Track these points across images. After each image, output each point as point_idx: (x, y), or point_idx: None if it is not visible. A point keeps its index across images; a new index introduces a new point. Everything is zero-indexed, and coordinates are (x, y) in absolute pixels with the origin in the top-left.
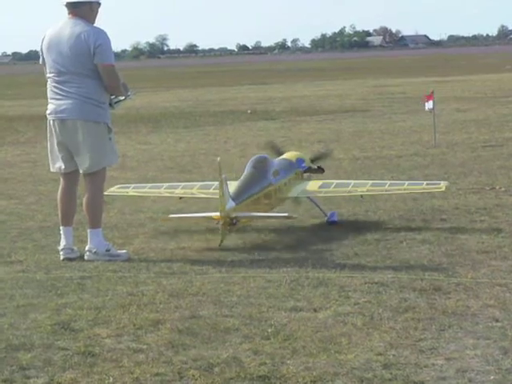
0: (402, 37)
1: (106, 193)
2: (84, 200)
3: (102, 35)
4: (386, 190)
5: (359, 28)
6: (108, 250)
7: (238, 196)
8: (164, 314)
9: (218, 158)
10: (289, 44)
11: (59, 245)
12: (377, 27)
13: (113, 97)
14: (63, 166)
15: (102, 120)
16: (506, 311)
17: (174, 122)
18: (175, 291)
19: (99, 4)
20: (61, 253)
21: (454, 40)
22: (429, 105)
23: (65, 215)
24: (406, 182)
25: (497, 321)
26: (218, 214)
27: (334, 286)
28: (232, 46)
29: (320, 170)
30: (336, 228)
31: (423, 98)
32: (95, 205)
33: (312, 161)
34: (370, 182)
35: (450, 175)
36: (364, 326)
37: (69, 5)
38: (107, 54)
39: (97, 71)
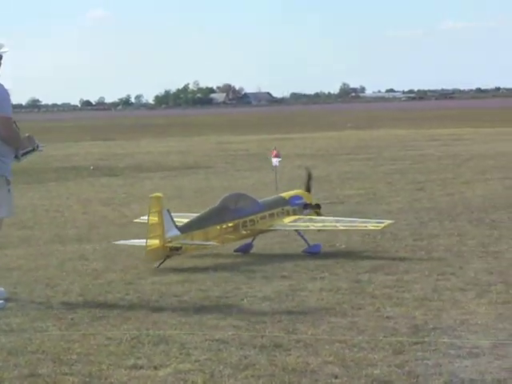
0: (245, 94)
1: None
2: None
3: None
4: (336, 227)
5: (203, 85)
6: None
7: (187, 226)
8: (2, 372)
9: (152, 195)
10: (132, 100)
11: None
12: (220, 84)
13: (21, 149)
14: None
15: (1, 173)
16: (346, 367)
17: (15, 177)
18: (14, 349)
19: (1, 57)
20: None
21: (297, 97)
22: (275, 161)
23: None
24: (358, 220)
25: (336, 377)
26: (157, 241)
27: (175, 344)
28: (75, 102)
29: (317, 206)
30: (177, 285)
31: (270, 153)
32: None
33: (308, 190)
34: (331, 218)
35: (290, 232)
36: None
37: None
38: (3, 106)
39: None
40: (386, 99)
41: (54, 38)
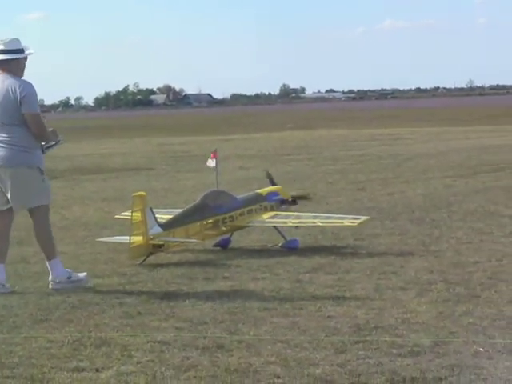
0: (186, 95)
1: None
2: (35, 237)
3: (27, 87)
4: (314, 223)
5: (143, 86)
6: (69, 277)
7: (169, 223)
8: None
9: (135, 193)
10: (72, 102)
11: None
12: (160, 85)
13: (44, 143)
14: None
15: (34, 164)
16: (288, 368)
17: None
18: None
19: (26, 58)
20: None
21: (237, 98)
22: (211, 162)
23: None
24: (335, 216)
25: (278, 377)
26: (140, 238)
27: (117, 346)
28: None
29: (293, 202)
30: (118, 287)
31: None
32: (44, 239)
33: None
34: (308, 214)
35: (232, 233)
36: None
37: None
38: (32, 103)
39: (24, 120)
40: (326, 99)
41: None
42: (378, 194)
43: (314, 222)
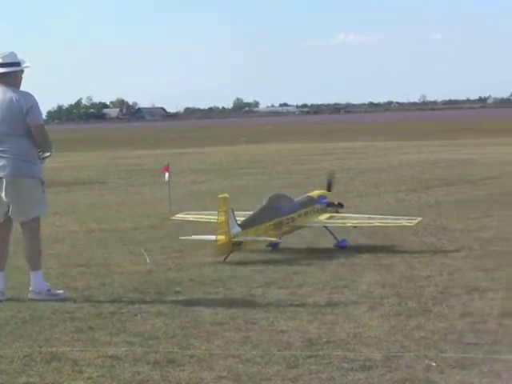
0: (139, 109)
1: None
2: (23, 246)
3: (31, 98)
4: (372, 223)
5: (96, 100)
6: (49, 290)
7: (245, 224)
8: None
9: (220, 195)
10: None
11: None
12: (113, 99)
13: (41, 153)
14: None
15: (36, 175)
16: (239, 382)
17: None
18: None
19: (23, 71)
20: None
21: (190, 112)
22: (166, 176)
23: None
24: (390, 217)
25: None
26: (223, 236)
27: (67, 361)
28: None
29: (339, 205)
30: (69, 301)
31: (165, 169)
32: (33, 249)
33: (329, 189)
34: (363, 216)
35: (184, 247)
36: None
37: None
38: (37, 114)
39: (29, 130)
40: (280, 113)
41: None
42: None
43: (372, 223)
